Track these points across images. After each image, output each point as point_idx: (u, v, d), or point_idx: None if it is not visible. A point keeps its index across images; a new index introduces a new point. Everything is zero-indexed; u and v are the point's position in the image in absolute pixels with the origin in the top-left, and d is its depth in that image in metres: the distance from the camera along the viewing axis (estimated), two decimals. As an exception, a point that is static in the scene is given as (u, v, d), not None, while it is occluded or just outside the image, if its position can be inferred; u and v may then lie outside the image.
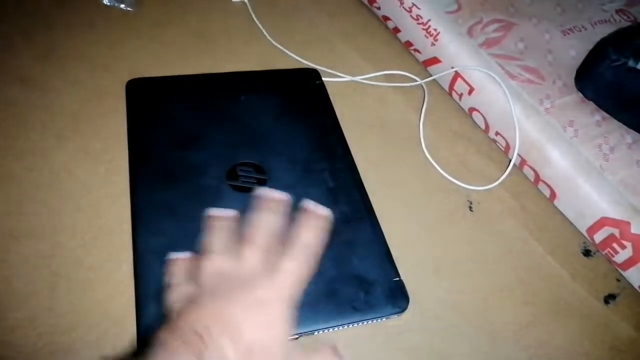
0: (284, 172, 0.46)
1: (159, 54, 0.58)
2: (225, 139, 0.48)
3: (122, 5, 0.61)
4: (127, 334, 0.39)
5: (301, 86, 0.56)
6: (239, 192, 0.44)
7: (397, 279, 0.42)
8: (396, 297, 0.41)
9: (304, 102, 0.54)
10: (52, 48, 0.56)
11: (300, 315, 0.31)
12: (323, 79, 0.58)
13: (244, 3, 0.65)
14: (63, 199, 0.45)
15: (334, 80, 0.58)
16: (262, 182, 0.45)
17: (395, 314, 0.40)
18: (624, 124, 0.49)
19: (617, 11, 0.62)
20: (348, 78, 0.59)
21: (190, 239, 0.33)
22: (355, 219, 0.45)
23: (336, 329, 0.39)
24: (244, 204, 0.35)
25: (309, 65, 0.59)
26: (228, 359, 0.25)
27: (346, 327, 0.39)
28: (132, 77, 0.55)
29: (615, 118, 0.50)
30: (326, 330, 0.39)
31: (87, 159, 0.48)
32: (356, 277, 0.41)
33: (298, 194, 0.42)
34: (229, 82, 0.54)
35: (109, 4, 0.61)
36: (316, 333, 0.39)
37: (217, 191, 0.44)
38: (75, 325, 0.39)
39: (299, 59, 0.60)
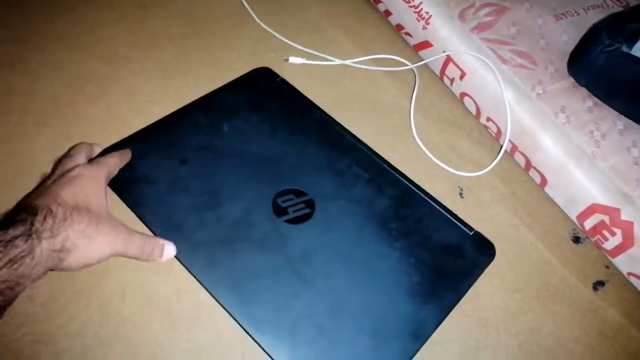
0: (321, 186, 0.44)
1: (143, 38, 0.56)
2: (241, 179, 0.44)
3: (105, -14, 0.59)
4: (110, 321, 0.38)
5: (266, 91, 0.51)
6: (297, 224, 0.41)
7: (473, 231, 0.44)
8: (483, 246, 0.44)
9: (280, 108, 0.50)
10: (30, 31, 0.54)
11: (431, 310, 0.39)
12: (312, 62, 0.57)
13: (232, -15, 0.63)
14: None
15: (324, 64, 0.57)
16: (310, 204, 0.43)
17: (490, 262, 0.43)
18: (616, 110, 0.49)
19: (610, -4, 0.61)
20: (338, 62, 0.58)
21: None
22: (407, 198, 0.45)
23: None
24: (309, 236, 0.40)
25: (298, 48, 0.58)
26: (57, 215, 0.32)
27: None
28: (116, 60, 0.53)
29: (608, 104, 0.49)
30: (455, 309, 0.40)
31: (68, 145, 0.47)
32: (445, 248, 0.43)
33: (346, 199, 0.44)
34: (193, 114, 0.48)
35: (91, -16, 0.59)
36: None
37: (277, 232, 0.41)
38: (55, 315, 0.38)
39: (289, 42, 0.58)
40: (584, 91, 0.51)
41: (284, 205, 0.42)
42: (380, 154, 0.48)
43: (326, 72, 0.57)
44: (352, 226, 0.42)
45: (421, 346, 0.38)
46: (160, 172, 0.43)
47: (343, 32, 0.62)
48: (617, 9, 0.60)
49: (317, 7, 0.64)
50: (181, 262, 0.39)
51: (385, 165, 0.47)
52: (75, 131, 0.48)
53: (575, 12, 0.59)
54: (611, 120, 0.49)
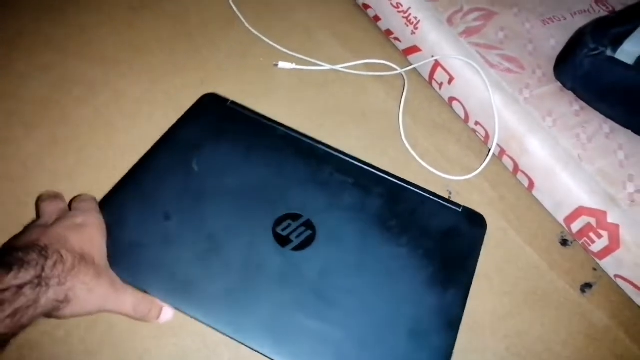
0: (312, 203, 0.43)
1: (132, 40, 0.56)
2: (232, 217, 0.41)
3: (94, -11, 0.59)
4: (96, 327, 0.38)
5: (221, 117, 0.48)
6: (304, 249, 0.40)
7: (462, 207, 0.46)
8: (475, 220, 0.45)
9: (241, 132, 0.47)
10: (18, 33, 0.54)
11: (453, 295, 0.40)
12: (302, 67, 0.57)
13: (221, -12, 0.63)
14: (31, 189, 0.43)
15: (313, 69, 0.57)
16: (309, 225, 0.42)
17: (485, 233, 0.45)
18: (602, 114, 0.49)
19: (596, 1, 0.62)
20: (328, 67, 0.58)
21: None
22: (394, 193, 0.46)
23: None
24: (319, 257, 0.40)
25: (288, 52, 0.58)
26: (66, 262, 0.31)
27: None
28: (104, 62, 0.53)
29: (594, 107, 0.50)
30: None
31: (57, 148, 0.47)
32: (443, 232, 0.44)
33: (341, 209, 0.43)
34: (158, 161, 0.44)
35: (79, -13, 0.59)
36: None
37: (288, 263, 0.40)
38: (40, 321, 0.37)
39: (278, 47, 0.58)
40: (570, 95, 0.51)
41: (285, 233, 0.41)
42: (370, 158, 0.48)
43: (316, 77, 0.57)
44: (355, 235, 0.42)
45: (457, 332, 0.38)
46: (148, 234, 0.40)
47: (333, 37, 0.62)
48: (604, 14, 0.60)
49: (306, 11, 0.64)
50: (204, 322, 0.36)
51: (363, 166, 0.47)
52: (63, 134, 0.47)
53: (563, 17, 0.60)
54: (597, 123, 0.49)
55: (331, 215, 0.43)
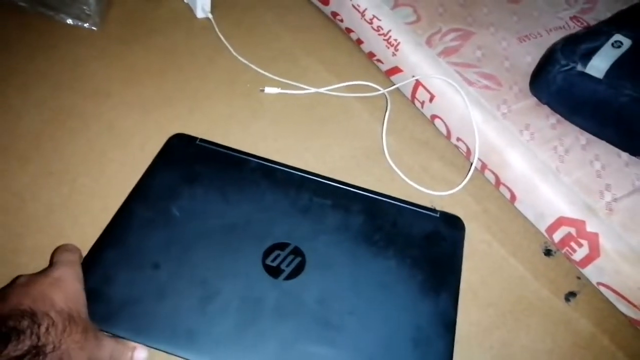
0: (297, 230, 0.44)
1: (123, 73, 0.58)
2: (221, 257, 0.42)
3: (86, 25, 0.62)
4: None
5: (193, 157, 0.49)
6: (296, 276, 0.41)
7: (437, 213, 0.48)
8: (453, 223, 0.48)
9: (215, 169, 0.48)
10: (13, 70, 0.56)
11: (445, 298, 0.42)
12: (287, 91, 0.59)
13: (209, 20, 0.65)
14: (25, 220, 0.45)
15: (298, 92, 0.59)
16: (297, 252, 0.43)
17: (464, 233, 0.47)
18: (578, 126, 0.51)
19: (571, 18, 0.64)
20: (313, 90, 0.60)
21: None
22: (372, 207, 0.47)
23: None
24: (313, 283, 0.41)
25: (274, 78, 0.60)
26: (57, 326, 0.30)
27: None
28: (96, 95, 0.55)
29: (569, 121, 0.51)
30: None
31: (51, 180, 0.48)
32: (425, 238, 0.46)
33: (325, 232, 0.45)
34: (135, 212, 0.44)
35: (72, 23, 0.61)
36: None
37: (285, 294, 0.40)
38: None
39: (265, 73, 0.61)
40: (547, 109, 0.53)
41: (275, 263, 0.42)
42: (355, 178, 0.50)
43: (301, 101, 0.59)
44: (344, 255, 0.44)
45: (455, 333, 0.41)
46: (139, 287, 0.39)
47: (317, 61, 0.64)
48: (578, 30, 0.62)
49: (291, 37, 0.66)
50: None
51: (340, 185, 0.49)
52: (57, 166, 0.49)
53: (539, 34, 0.62)
54: (574, 135, 0.51)
55: (317, 239, 0.44)
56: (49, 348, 0.29)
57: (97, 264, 0.40)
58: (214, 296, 0.39)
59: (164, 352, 0.37)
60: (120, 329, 0.37)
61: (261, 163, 0.49)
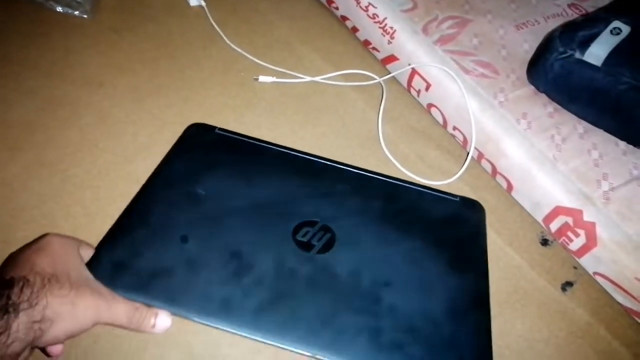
0: (323, 210, 0.43)
1: (116, 61, 0.58)
2: (251, 234, 0.41)
3: (77, 12, 0.61)
4: (81, 342, 0.38)
5: (213, 145, 0.48)
6: (328, 251, 0.41)
7: (458, 197, 0.48)
8: (473, 206, 0.48)
9: (237, 156, 0.47)
10: (3, 59, 0.55)
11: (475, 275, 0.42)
12: (282, 80, 0.58)
13: (202, 8, 0.64)
14: (16, 211, 0.44)
15: (293, 81, 0.59)
16: (327, 229, 0.42)
17: (484, 217, 0.48)
18: (575, 115, 0.50)
19: (569, 5, 0.63)
20: (308, 79, 0.59)
21: None
22: (393, 192, 0.47)
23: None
24: (346, 256, 0.40)
25: (268, 66, 0.59)
26: (34, 284, 0.30)
27: None
28: (89, 84, 0.54)
29: (567, 109, 0.51)
30: None
31: (42, 170, 0.48)
32: (448, 221, 0.46)
33: (350, 214, 0.44)
34: (158, 193, 0.43)
35: (63, 11, 0.60)
36: None
37: (318, 266, 0.40)
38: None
39: (259, 61, 0.60)
40: (544, 97, 0.52)
41: (306, 239, 0.41)
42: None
43: (296, 89, 0.58)
44: (372, 234, 0.43)
45: (490, 308, 0.40)
46: (168, 259, 0.38)
47: (313, 49, 0.63)
48: (576, 17, 0.62)
49: (286, 25, 0.66)
50: (254, 339, 0.36)
51: (358, 172, 0.48)
52: (49, 156, 0.48)
53: (536, 21, 0.61)
54: (571, 124, 0.50)
55: (344, 219, 0.43)
56: (23, 306, 0.29)
57: (122, 238, 0.40)
58: (246, 268, 0.39)
59: (198, 322, 0.36)
60: (151, 297, 0.36)
61: (283, 151, 0.49)
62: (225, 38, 0.61)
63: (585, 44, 0.48)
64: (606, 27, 0.48)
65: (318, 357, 0.36)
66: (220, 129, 0.49)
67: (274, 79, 0.58)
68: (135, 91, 0.55)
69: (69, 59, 0.57)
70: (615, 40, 0.47)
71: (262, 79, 0.58)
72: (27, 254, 0.33)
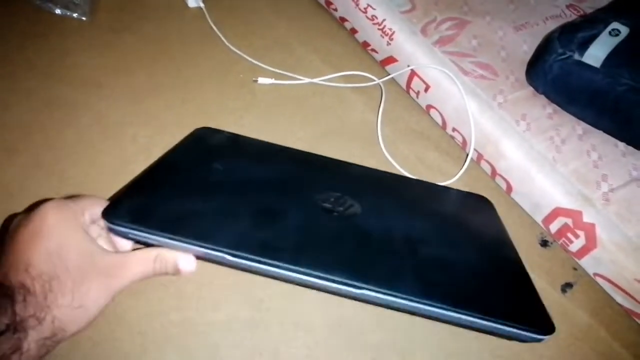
0: (344, 193, 0.42)
1: (114, 63, 0.57)
2: (278, 196, 0.40)
3: (75, 15, 0.60)
4: (80, 346, 0.38)
5: (223, 146, 0.47)
6: (354, 215, 0.40)
7: (466, 192, 0.48)
8: (481, 200, 0.48)
9: (249, 156, 0.46)
10: (2, 60, 0.55)
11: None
12: (281, 81, 0.58)
13: (201, 9, 0.64)
14: (13, 212, 0.44)
15: (292, 83, 0.59)
16: (351, 202, 0.41)
17: (496, 211, 0.47)
18: (574, 116, 0.50)
19: (567, 6, 0.64)
20: (307, 80, 0.59)
21: None
22: (407, 187, 0.48)
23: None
24: (371, 221, 0.39)
25: (267, 68, 0.59)
26: (36, 295, 0.27)
27: None
28: (86, 85, 0.54)
29: (566, 110, 0.51)
30: None
31: (39, 172, 0.47)
32: (461, 207, 0.47)
33: (369, 201, 0.42)
34: (181, 160, 0.43)
35: (61, 13, 0.60)
36: None
37: (341, 221, 0.39)
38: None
39: (258, 63, 0.60)
40: (543, 99, 0.52)
41: (332, 206, 0.39)
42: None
43: (295, 91, 0.58)
44: (397, 212, 0.42)
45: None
46: (194, 203, 0.36)
47: (312, 51, 0.63)
48: (575, 18, 0.62)
49: (285, 27, 0.65)
50: (293, 273, 0.33)
51: (368, 167, 0.49)
52: (46, 157, 0.48)
53: (535, 23, 0.61)
54: (571, 125, 0.50)
55: (367, 197, 0.42)
56: (30, 323, 0.26)
57: (143, 188, 0.37)
58: (277, 217, 0.37)
59: (231, 261, 0.33)
60: (180, 236, 0.33)
61: (297, 150, 0.48)
62: (223, 39, 0.61)
63: (584, 45, 0.48)
64: (605, 28, 0.48)
65: (368, 291, 0.32)
66: (228, 132, 0.48)
67: (273, 80, 0.58)
68: (133, 92, 0.55)
69: (67, 60, 0.57)
70: (614, 41, 0.47)
71: (261, 80, 0.58)
72: (19, 246, 0.29)
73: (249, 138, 0.49)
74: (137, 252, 0.32)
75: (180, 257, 0.33)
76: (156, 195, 0.36)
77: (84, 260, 0.30)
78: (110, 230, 0.33)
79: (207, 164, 0.42)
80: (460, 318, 0.33)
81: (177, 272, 0.33)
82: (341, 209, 0.40)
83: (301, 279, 0.33)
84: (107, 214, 0.33)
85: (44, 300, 0.27)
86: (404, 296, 0.33)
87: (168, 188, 0.38)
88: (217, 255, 0.32)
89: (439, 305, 0.33)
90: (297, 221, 0.37)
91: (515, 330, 0.33)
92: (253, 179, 0.41)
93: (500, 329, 0.33)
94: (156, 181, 0.39)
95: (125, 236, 0.33)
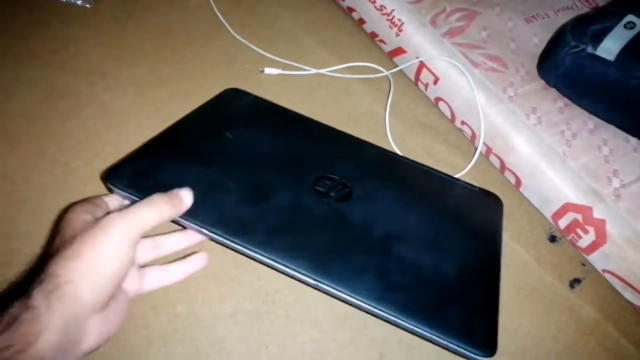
0: (344, 172, 0.43)
1: (118, 52, 0.57)
2: (272, 175, 0.41)
3: (79, 2, 0.59)
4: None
5: (248, 108, 0.50)
6: (345, 201, 0.41)
7: (477, 188, 0.47)
8: (491, 197, 0.47)
9: (269, 119, 0.49)
10: (3, 48, 0.54)
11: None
12: (288, 72, 0.57)
13: (206, -3, 0.63)
14: (17, 204, 0.44)
15: (299, 73, 0.58)
16: (345, 185, 0.42)
17: (502, 207, 0.46)
18: (586, 110, 0.50)
19: (579, -2, 0.63)
20: (314, 71, 0.58)
21: None
22: (413, 172, 0.48)
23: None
24: (362, 209, 0.40)
25: (274, 58, 0.58)
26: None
27: None
28: (90, 75, 0.54)
29: (577, 104, 0.50)
30: None
31: (43, 162, 0.47)
32: (461, 199, 0.46)
33: (368, 180, 0.43)
34: (190, 128, 0.45)
35: (65, 0, 0.59)
36: None
37: (335, 211, 0.40)
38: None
39: (264, 53, 0.59)
40: (554, 92, 0.52)
41: (324, 190, 0.41)
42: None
43: (302, 82, 0.58)
44: (389, 199, 0.43)
45: (499, 277, 0.39)
46: (190, 176, 0.39)
47: (318, 41, 0.62)
48: (587, 10, 0.61)
49: (291, 17, 0.64)
50: (260, 256, 0.35)
51: (381, 148, 0.49)
52: (49, 148, 0.48)
53: (546, 14, 0.60)
54: (581, 120, 0.50)
55: (363, 180, 0.43)
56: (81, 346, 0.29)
57: (147, 155, 0.41)
58: (265, 197, 0.39)
59: (209, 235, 0.36)
60: None
61: (314, 120, 0.50)
62: (229, 29, 0.60)
63: (597, 38, 0.47)
64: (619, 21, 0.47)
65: (323, 284, 0.34)
66: (255, 96, 0.51)
67: (279, 71, 0.57)
68: (137, 82, 0.54)
69: (70, 49, 0.56)
70: (629, 34, 0.46)
71: (268, 70, 0.57)
72: (59, 256, 0.29)
73: (275, 105, 0.50)
74: (144, 206, 0.32)
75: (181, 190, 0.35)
76: (157, 163, 0.39)
77: (99, 262, 0.30)
78: (110, 190, 0.36)
79: (219, 131, 0.44)
80: (405, 326, 0.34)
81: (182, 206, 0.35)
82: (333, 194, 0.41)
83: (267, 262, 0.35)
84: (109, 176, 0.37)
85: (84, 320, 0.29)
86: (355, 296, 0.34)
87: (171, 155, 0.41)
88: (200, 230, 0.35)
89: (386, 309, 0.34)
90: (283, 203, 0.39)
91: (454, 347, 0.33)
92: (258, 152, 0.44)
93: (441, 343, 0.34)
94: (163, 146, 0.42)
95: (123, 197, 0.36)
